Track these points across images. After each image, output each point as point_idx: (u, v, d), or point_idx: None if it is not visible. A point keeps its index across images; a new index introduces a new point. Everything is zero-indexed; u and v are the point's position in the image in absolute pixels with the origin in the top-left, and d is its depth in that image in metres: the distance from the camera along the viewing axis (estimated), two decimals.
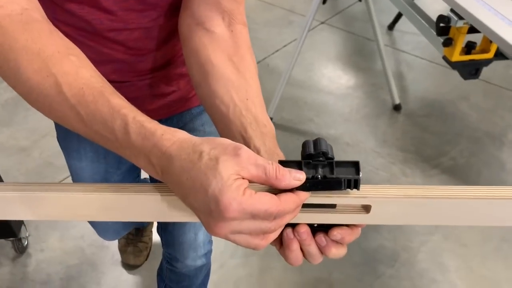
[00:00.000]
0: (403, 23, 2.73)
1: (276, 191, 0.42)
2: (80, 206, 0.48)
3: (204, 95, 0.57)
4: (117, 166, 0.93)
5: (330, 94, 2.30)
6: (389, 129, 2.08)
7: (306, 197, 0.43)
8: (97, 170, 0.91)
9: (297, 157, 0.45)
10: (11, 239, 1.49)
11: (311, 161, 0.43)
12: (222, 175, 0.38)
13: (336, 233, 0.46)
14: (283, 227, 0.45)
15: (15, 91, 0.49)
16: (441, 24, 1.22)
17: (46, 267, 1.53)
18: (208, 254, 1.05)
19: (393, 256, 1.55)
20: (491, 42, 1.23)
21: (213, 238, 1.09)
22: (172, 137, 0.42)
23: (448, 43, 1.21)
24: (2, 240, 1.52)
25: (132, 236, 1.54)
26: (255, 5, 3.11)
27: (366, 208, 0.47)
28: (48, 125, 2.08)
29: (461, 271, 1.51)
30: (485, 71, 1.44)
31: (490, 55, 1.24)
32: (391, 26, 2.80)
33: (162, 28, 0.69)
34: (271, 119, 2.10)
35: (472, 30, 1.18)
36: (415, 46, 2.64)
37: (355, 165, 0.44)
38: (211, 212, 0.39)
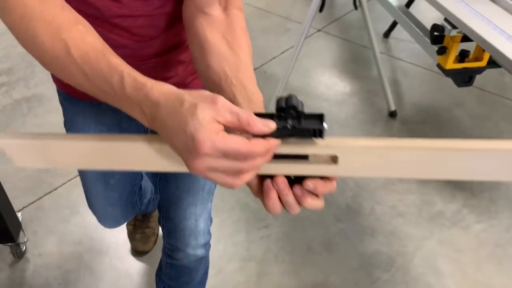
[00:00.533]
0: (398, 31, 2.77)
1: (250, 137, 0.46)
2: (80, 154, 0.54)
3: (202, 70, 0.64)
4: None
5: (327, 101, 2.32)
6: (385, 135, 2.10)
7: (276, 143, 0.47)
8: None
9: None
10: (9, 244, 1.50)
11: (282, 113, 0.48)
12: (199, 118, 0.44)
13: (309, 183, 0.51)
14: (256, 170, 0.49)
15: (32, 55, 0.57)
16: (435, 33, 1.24)
17: (44, 272, 1.53)
18: (207, 246, 1.08)
19: (389, 261, 1.56)
20: (484, 50, 1.25)
21: (211, 239, 1.11)
22: (160, 88, 0.48)
23: (442, 51, 1.24)
24: (0, 245, 1.52)
25: (139, 223, 1.58)
26: (252, 13, 3.14)
27: (334, 159, 0.50)
28: (45, 131, 2.09)
29: (456, 276, 1.52)
30: (479, 78, 1.46)
31: (483, 63, 1.26)
32: (386, 34, 2.83)
33: (164, 17, 0.75)
34: None
35: (466, 38, 1.20)
36: (410, 54, 2.67)
37: (320, 117, 0.48)
38: (188, 149, 0.45)
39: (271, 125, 0.46)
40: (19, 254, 1.54)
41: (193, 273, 1.11)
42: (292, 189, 0.51)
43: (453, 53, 1.23)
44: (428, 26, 1.41)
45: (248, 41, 0.65)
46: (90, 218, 1.69)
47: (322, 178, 0.52)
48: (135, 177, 1.13)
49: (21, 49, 2.18)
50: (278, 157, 0.50)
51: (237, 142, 0.44)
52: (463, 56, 1.25)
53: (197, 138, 0.43)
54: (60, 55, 0.53)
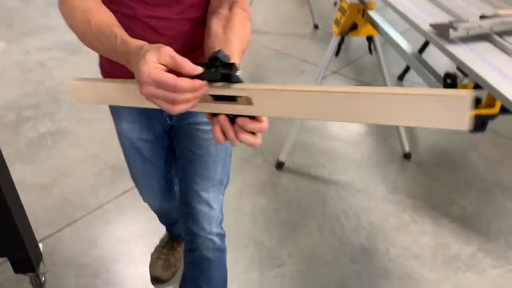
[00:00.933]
0: (412, 73, 2.83)
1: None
2: (109, 93, 0.81)
3: (205, 48, 0.85)
4: (147, 128, 1.18)
5: (342, 141, 2.37)
6: (400, 176, 2.12)
7: (200, 83, 0.64)
8: (133, 130, 1.18)
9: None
10: (30, 274, 1.53)
11: (210, 63, 0.65)
12: (146, 58, 0.63)
13: (239, 120, 0.67)
14: (189, 104, 0.65)
15: (74, 33, 0.83)
16: (448, 80, 1.29)
17: None
18: (222, 239, 1.21)
19: None
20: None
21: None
22: (135, 43, 0.71)
23: None
24: (20, 275, 1.56)
25: (166, 250, 1.65)
26: (270, 55, 3.25)
27: (249, 101, 0.64)
28: (68, 164, 2.16)
29: None
30: (494, 122, 1.49)
31: (495, 110, 1.30)
32: (401, 77, 2.89)
33: (184, 22, 0.94)
34: (283, 163, 2.16)
35: (478, 86, 1.25)
36: None
37: (230, 65, 0.64)
38: (138, 79, 0.64)
39: (198, 69, 0.64)
40: (38, 285, 1.57)
41: (211, 270, 1.21)
42: (233, 126, 0.67)
43: None
44: (441, 70, 1.45)
45: (244, 29, 0.85)
46: (107, 251, 1.73)
47: (252, 118, 0.66)
48: (164, 150, 1.26)
49: (49, 84, 2.34)
50: (216, 98, 0.67)
51: (166, 76, 0.62)
52: (475, 103, 1.29)
53: (141, 70, 0.63)
54: (85, 29, 0.80)
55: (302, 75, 2.99)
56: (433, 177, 2.12)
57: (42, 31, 3.52)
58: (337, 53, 2.06)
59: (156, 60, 0.63)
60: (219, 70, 0.64)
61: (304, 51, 3.31)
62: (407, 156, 2.23)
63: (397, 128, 2.23)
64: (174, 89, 0.62)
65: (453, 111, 0.52)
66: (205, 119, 1.07)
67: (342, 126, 2.49)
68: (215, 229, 1.18)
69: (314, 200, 1.97)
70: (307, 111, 0.61)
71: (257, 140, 0.68)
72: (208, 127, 1.09)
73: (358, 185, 2.06)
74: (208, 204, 1.15)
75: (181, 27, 0.94)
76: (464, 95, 0.51)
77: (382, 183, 2.08)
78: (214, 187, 1.16)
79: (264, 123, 0.67)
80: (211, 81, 0.65)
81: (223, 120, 0.67)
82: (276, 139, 2.34)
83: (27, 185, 2.03)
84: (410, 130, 2.44)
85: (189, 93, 0.63)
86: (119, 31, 0.76)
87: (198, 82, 0.63)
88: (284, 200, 1.97)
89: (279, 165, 2.16)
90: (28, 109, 2.57)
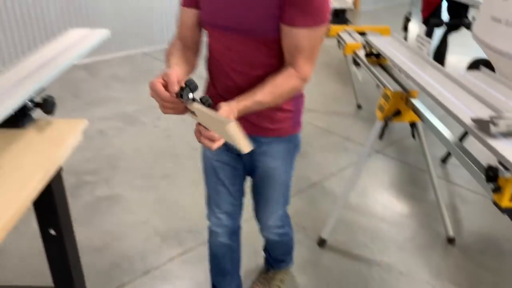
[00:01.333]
0: None
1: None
2: None
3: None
4: (225, 151, 1.41)
5: (385, 221, 2.38)
6: (443, 262, 2.09)
7: (176, 99, 0.98)
8: (214, 151, 1.41)
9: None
10: None
11: (182, 87, 0.98)
12: (158, 75, 1.01)
13: (199, 127, 0.99)
14: (173, 111, 1.02)
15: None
16: (490, 173, 1.33)
17: None
18: (281, 235, 1.67)
19: None
20: None
21: None
22: (170, 66, 1.17)
23: (497, 190, 1.31)
24: None
25: None
26: (314, 132, 3.38)
27: (195, 114, 0.97)
28: (120, 229, 2.28)
29: None
30: None
31: None
32: (444, 159, 2.91)
33: (253, 77, 1.23)
34: (325, 240, 2.19)
35: None
36: (469, 180, 2.71)
37: (182, 89, 0.97)
38: None
39: (175, 89, 0.97)
40: None
41: (280, 246, 1.78)
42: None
43: (508, 192, 1.30)
44: (483, 158, 1.49)
45: (283, 81, 1.15)
46: None
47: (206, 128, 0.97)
48: (239, 178, 1.50)
49: (108, 152, 2.59)
50: (195, 112, 0.97)
51: (159, 87, 0.99)
52: None
53: (151, 80, 1.00)
54: (167, 59, 1.22)
55: (345, 152, 3.08)
56: (478, 264, 2.07)
57: (105, 102, 3.85)
58: (380, 136, 2.14)
59: (161, 76, 0.99)
60: (180, 91, 0.96)
61: (347, 130, 3.42)
62: (451, 240, 2.20)
63: (440, 211, 2.23)
64: (160, 97, 0.98)
65: (230, 133, 0.84)
66: (267, 151, 1.38)
67: (386, 206, 2.51)
68: (272, 228, 1.60)
69: (356, 281, 1.96)
70: (205, 123, 0.96)
71: (213, 145, 0.98)
72: (269, 159, 1.39)
73: (401, 267, 2.05)
74: (266, 214, 1.55)
75: (251, 80, 1.23)
76: (224, 120, 0.86)
77: (425, 267, 2.05)
78: (272, 205, 1.52)
79: (212, 134, 0.96)
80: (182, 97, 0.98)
81: (196, 125, 1.00)
82: (319, 216, 2.38)
83: (80, 247, 2.14)
84: (454, 214, 2.43)
85: (170, 103, 0.99)
86: (172, 59, 1.18)
87: (173, 98, 0.98)
88: (325, 279, 1.98)
89: (321, 242, 2.19)
90: (87, 174, 2.78)
